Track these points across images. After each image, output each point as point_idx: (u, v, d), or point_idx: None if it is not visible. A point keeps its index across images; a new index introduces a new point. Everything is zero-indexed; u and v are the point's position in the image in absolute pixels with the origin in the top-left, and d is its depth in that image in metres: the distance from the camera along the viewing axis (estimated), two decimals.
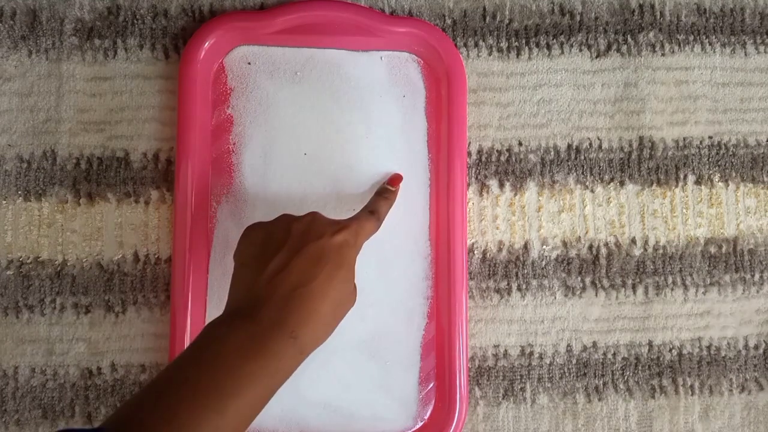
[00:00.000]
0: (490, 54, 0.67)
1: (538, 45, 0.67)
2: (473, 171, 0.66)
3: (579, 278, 0.66)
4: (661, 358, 0.67)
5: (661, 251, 0.67)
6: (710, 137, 0.68)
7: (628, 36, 0.68)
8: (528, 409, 0.65)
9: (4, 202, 0.63)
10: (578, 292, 0.66)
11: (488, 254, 0.66)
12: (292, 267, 0.49)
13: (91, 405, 0.63)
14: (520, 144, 0.67)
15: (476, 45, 0.67)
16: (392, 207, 0.62)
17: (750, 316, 0.68)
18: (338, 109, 0.64)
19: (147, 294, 0.64)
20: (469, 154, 0.66)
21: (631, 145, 0.68)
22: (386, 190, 0.62)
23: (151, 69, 0.65)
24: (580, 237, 0.67)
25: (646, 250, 0.67)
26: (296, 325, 0.47)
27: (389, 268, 0.64)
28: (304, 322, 0.47)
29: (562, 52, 0.68)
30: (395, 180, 0.63)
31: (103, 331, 0.63)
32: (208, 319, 0.62)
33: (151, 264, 0.64)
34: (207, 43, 0.63)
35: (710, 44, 0.69)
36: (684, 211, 0.68)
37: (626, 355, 0.66)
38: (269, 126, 0.64)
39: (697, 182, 0.68)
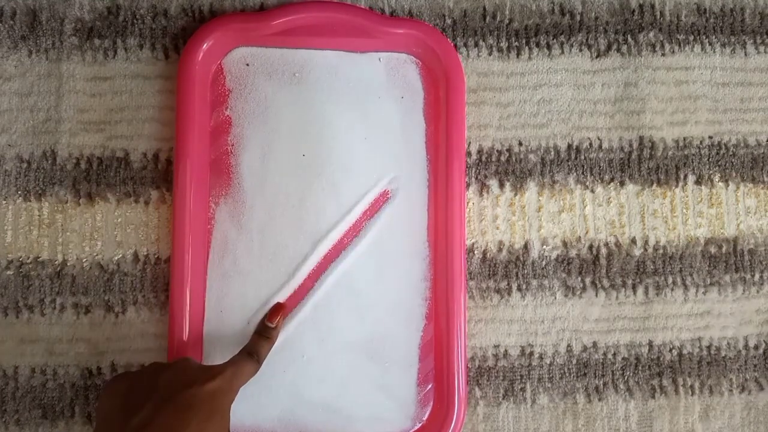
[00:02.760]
0: (490, 54, 0.67)
1: (538, 45, 0.67)
2: (473, 171, 0.66)
3: (579, 278, 0.66)
4: (661, 358, 0.67)
5: (661, 251, 0.67)
6: (710, 137, 0.68)
7: (628, 36, 0.68)
8: (528, 409, 0.65)
9: (4, 202, 0.63)
10: (578, 292, 0.66)
11: (488, 254, 0.66)
12: (156, 422, 0.45)
13: (91, 405, 0.63)
14: (520, 144, 0.67)
15: (476, 45, 0.67)
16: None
17: (750, 316, 0.68)
18: (337, 110, 0.64)
19: (147, 294, 0.64)
20: (469, 154, 0.66)
21: (631, 145, 0.68)
22: (266, 329, 0.60)
23: (151, 69, 0.65)
24: (580, 237, 0.67)
25: (646, 250, 0.67)
26: None
27: (388, 269, 0.64)
28: None
29: (562, 52, 0.68)
30: (274, 314, 0.61)
31: (103, 331, 0.63)
32: (207, 320, 0.62)
33: (151, 264, 0.64)
34: (205, 45, 0.63)
35: (710, 44, 0.69)
36: (684, 211, 0.68)
37: (626, 355, 0.66)
38: (268, 127, 0.64)
39: (697, 182, 0.68)
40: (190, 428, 0.45)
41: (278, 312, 0.61)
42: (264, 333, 0.60)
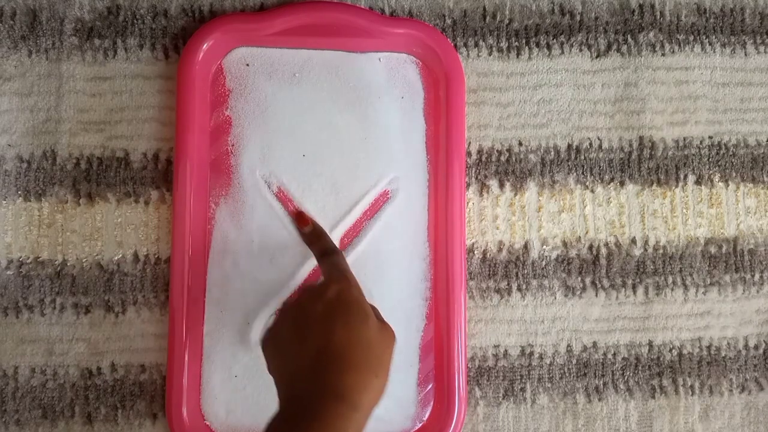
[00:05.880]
0: (490, 54, 0.67)
1: (538, 45, 0.67)
2: (473, 171, 0.66)
3: (579, 278, 0.66)
4: (661, 358, 0.67)
5: (661, 251, 0.67)
6: (710, 137, 0.68)
7: (628, 36, 0.68)
8: (528, 409, 0.65)
9: (4, 202, 0.63)
10: (578, 292, 0.66)
11: (488, 254, 0.66)
12: (306, 341, 0.48)
13: (91, 405, 0.63)
14: (520, 144, 0.67)
15: (476, 45, 0.67)
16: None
17: (750, 316, 0.68)
18: (337, 110, 0.64)
19: (147, 294, 0.64)
20: (469, 154, 0.66)
21: (631, 145, 0.68)
22: (303, 234, 0.62)
23: (151, 69, 0.65)
24: (580, 237, 0.67)
25: (646, 250, 0.67)
26: (336, 386, 0.45)
27: (388, 270, 0.64)
28: (341, 379, 0.46)
29: (562, 52, 0.68)
30: (301, 221, 0.62)
31: (103, 331, 0.63)
32: (207, 320, 0.63)
33: (151, 264, 0.64)
34: (205, 45, 0.63)
35: (710, 44, 0.69)
36: (684, 211, 0.68)
37: (626, 355, 0.66)
38: (268, 127, 0.64)
39: (697, 182, 0.68)
40: (337, 330, 0.48)
41: (302, 217, 0.63)
42: (321, 246, 0.59)
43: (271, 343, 0.51)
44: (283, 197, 0.64)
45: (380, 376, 0.48)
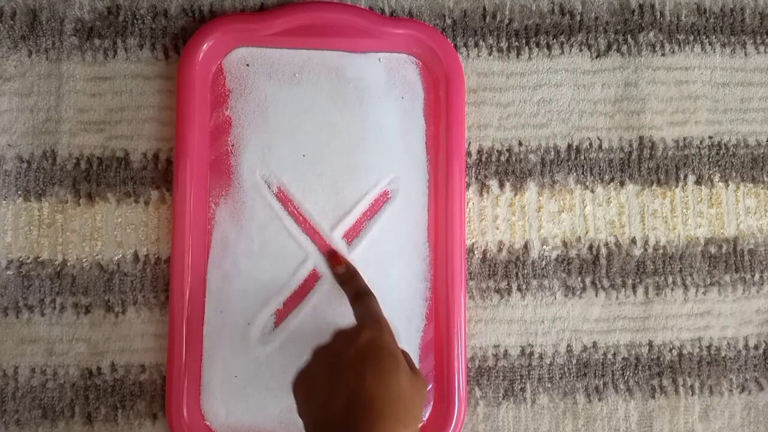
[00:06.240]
0: (490, 54, 0.67)
1: (538, 45, 0.67)
2: (473, 171, 0.66)
3: (579, 278, 0.66)
4: (661, 358, 0.67)
5: (661, 251, 0.67)
6: (710, 137, 0.68)
7: (628, 36, 0.68)
8: (528, 409, 0.65)
9: (4, 202, 0.63)
10: (578, 292, 0.66)
11: (488, 254, 0.66)
12: (338, 385, 0.48)
13: (91, 405, 0.63)
14: (520, 144, 0.67)
15: (476, 45, 0.67)
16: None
17: (750, 316, 0.68)
18: (337, 110, 0.64)
19: (147, 294, 0.64)
20: (469, 154, 0.66)
21: (631, 145, 0.68)
22: (336, 274, 0.63)
23: (151, 69, 0.65)
24: (580, 237, 0.67)
25: (646, 250, 0.67)
26: None
27: (388, 270, 0.64)
28: (370, 430, 0.46)
29: (562, 52, 0.68)
30: (334, 260, 0.63)
31: (103, 331, 0.63)
32: (207, 320, 0.63)
33: (151, 264, 0.64)
34: (205, 45, 0.63)
35: (710, 44, 0.69)
36: (684, 211, 0.68)
37: (626, 355, 0.66)
38: (268, 127, 0.64)
39: (697, 182, 0.68)
40: (367, 378, 0.48)
41: (335, 256, 0.63)
42: (342, 276, 0.62)
43: (303, 384, 0.51)
44: (283, 197, 0.64)
45: (409, 426, 0.48)
